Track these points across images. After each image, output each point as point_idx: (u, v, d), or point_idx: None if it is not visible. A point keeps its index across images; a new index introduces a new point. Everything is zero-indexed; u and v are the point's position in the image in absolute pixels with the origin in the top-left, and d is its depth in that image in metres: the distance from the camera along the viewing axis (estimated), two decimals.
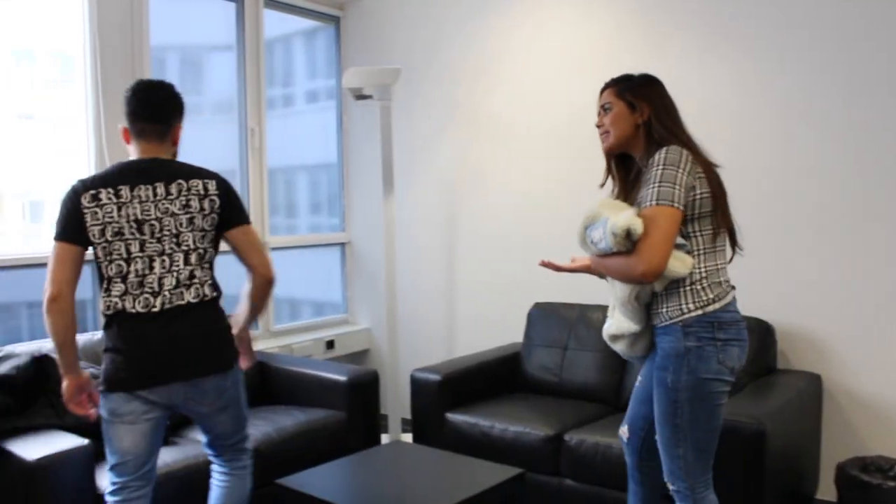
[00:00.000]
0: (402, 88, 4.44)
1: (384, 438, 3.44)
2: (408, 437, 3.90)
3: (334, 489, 2.73)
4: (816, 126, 3.39)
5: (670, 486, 2.27)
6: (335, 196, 5.18)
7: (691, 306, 2.17)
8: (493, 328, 4.45)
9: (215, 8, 4.42)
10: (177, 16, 4.23)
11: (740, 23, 3.55)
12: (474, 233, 4.51)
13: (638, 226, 2.07)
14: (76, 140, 3.75)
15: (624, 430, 2.50)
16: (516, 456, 3.33)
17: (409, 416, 3.80)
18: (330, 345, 4.78)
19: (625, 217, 2.08)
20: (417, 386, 3.70)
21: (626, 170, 2.43)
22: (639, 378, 2.50)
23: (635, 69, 2.29)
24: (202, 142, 4.35)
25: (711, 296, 2.18)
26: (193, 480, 2.90)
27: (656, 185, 2.11)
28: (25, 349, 3.17)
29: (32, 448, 2.60)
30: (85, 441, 2.68)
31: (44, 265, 2.71)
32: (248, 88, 4.50)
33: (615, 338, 2.41)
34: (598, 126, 2.40)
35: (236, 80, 4.50)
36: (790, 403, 3.04)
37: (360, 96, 4.14)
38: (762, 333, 3.38)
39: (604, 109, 2.38)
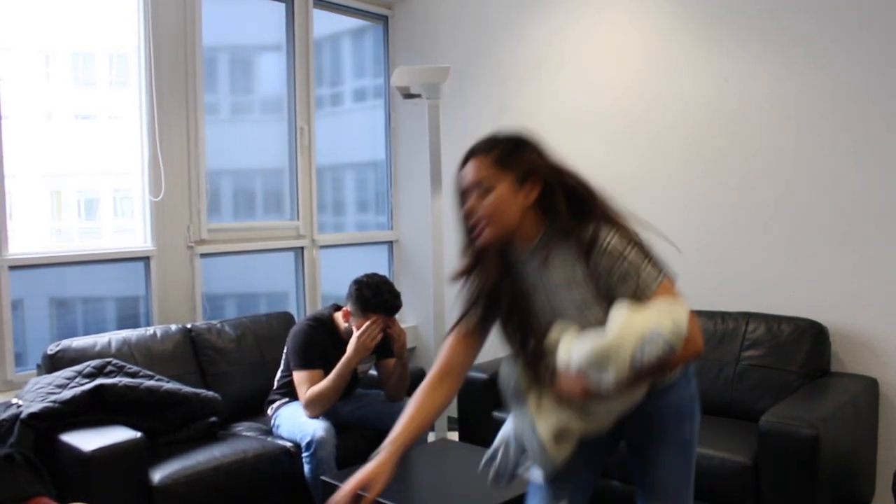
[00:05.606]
0: (450, 87, 4.42)
1: (430, 436, 3.44)
2: (453, 436, 3.90)
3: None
4: (876, 122, 3.30)
5: None
6: (383, 194, 5.20)
7: None
8: None
9: (265, 8, 4.47)
10: (227, 16, 4.29)
11: (788, 21, 3.47)
12: None
13: (684, 317, 1.68)
14: (130, 139, 3.83)
15: None
16: None
17: (455, 414, 3.80)
18: None
19: (678, 313, 1.68)
20: (464, 385, 3.69)
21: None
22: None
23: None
24: (252, 141, 4.40)
25: None
26: (243, 474, 2.95)
27: (640, 267, 1.74)
28: (81, 343, 3.25)
29: (88, 440, 2.66)
30: (138, 434, 2.73)
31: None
32: (297, 88, 4.54)
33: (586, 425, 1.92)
34: (468, 213, 1.84)
35: (285, 80, 4.54)
36: (844, 408, 2.97)
37: (409, 95, 4.14)
38: (816, 335, 3.30)
39: (477, 190, 1.82)
